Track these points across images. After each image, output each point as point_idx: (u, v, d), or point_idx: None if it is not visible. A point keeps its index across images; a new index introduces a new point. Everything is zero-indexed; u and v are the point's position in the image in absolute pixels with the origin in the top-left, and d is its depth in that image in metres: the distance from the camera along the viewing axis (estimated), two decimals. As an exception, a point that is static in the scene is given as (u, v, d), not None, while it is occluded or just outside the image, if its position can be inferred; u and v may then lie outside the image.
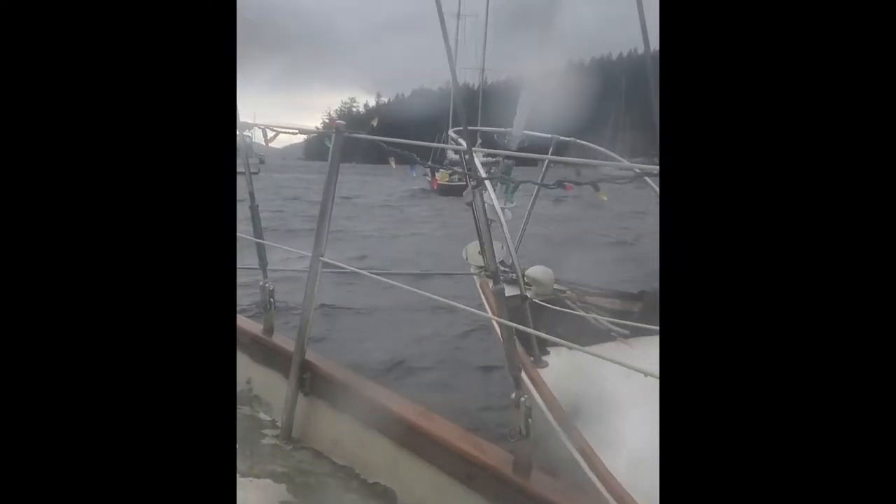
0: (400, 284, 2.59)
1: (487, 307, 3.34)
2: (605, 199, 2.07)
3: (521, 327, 2.16)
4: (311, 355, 2.52)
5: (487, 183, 3.09)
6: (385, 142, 2.35)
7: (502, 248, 3.69)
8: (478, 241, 3.74)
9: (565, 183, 2.25)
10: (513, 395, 1.89)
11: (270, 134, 2.51)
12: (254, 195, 2.72)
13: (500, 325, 2.20)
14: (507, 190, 3.02)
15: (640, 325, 3.08)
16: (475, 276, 3.71)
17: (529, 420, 1.85)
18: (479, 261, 3.82)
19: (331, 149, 2.41)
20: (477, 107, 41.68)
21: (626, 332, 3.20)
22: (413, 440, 2.15)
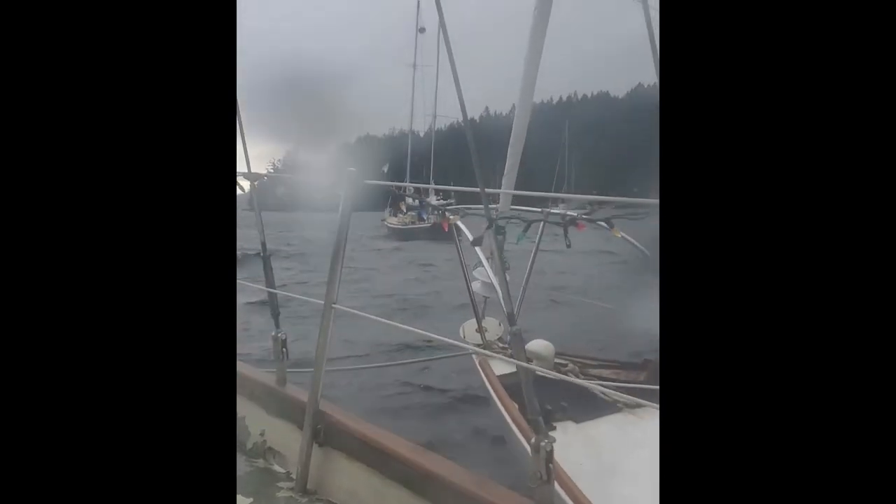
0: (407, 327, 2.59)
1: (487, 384, 3.33)
2: (620, 235, 2.14)
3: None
4: (325, 405, 2.48)
5: (483, 259, 3.14)
6: (398, 186, 2.37)
7: (500, 324, 3.70)
8: (474, 319, 3.76)
9: (578, 221, 2.30)
10: (532, 440, 1.89)
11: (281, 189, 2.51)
12: (265, 245, 2.69)
13: (518, 368, 2.21)
14: (518, 229, 3.06)
15: (647, 386, 3.09)
16: (473, 355, 3.70)
17: (550, 465, 1.84)
18: (477, 339, 3.83)
19: (342, 195, 2.42)
20: (430, 150, 42.66)
21: (632, 402, 3.23)
22: (431, 488, 2.12)
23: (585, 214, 2.91)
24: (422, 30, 45.43)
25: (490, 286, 3.09)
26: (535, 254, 3.70)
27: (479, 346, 3.75)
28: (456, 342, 2.59)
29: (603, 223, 2.57)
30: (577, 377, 3.34)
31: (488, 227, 2.29)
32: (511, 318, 2.34)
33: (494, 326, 3.73)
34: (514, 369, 3.22)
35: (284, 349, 2.68)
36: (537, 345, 3.23)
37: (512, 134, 3.53)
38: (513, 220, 2.91)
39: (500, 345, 3.71)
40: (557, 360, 3.41)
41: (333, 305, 2.45)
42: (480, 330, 3.75)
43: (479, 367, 3.52)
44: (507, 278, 2.98)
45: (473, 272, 3.55)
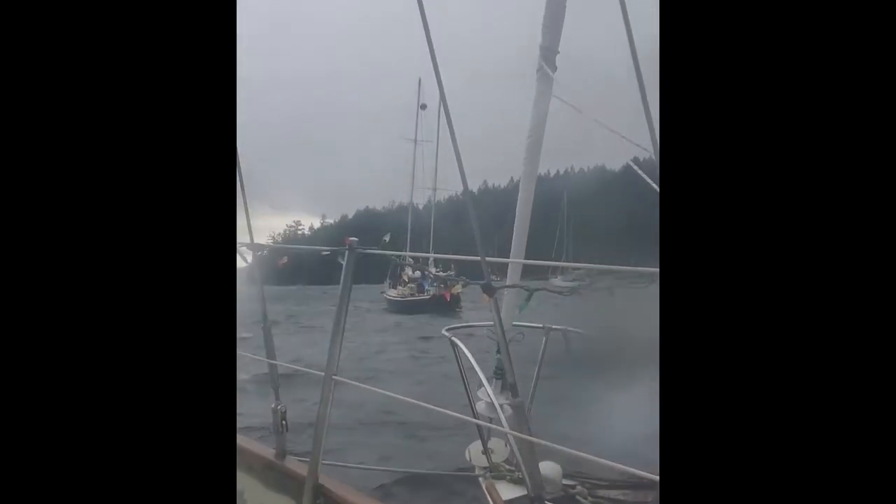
0: (411, 400, 2.56)
1: None
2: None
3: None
4: (324, 479, 2.43)
5: (483, 380, 3.14)
6: (399, 255, 2.39)
7: (505, 446, 3.63)
8: (479, 441, 3.69)
9: (580, 290, 2.32)
10: None
11: (284, 259, 2.55)
12: (266, 315, 2.70)
13: (519, 441, 2.18)
14: (521, 299, 3.06)
15: None
16: (480, 479, 3.62)
17: None
18: (483, 461, 3.76)
19: (344, 266, 2.44)
20: (429, 223, 43.39)
21: None
22: None
23: (586, 286, 2.93)
24: (423, 106, 46.73)
25: (492, 406, 3.06)
26: (540, 367, 3.67)
27: (485, 469, 3.68)
28: (460, 416, 2.54)
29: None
30: (586, 499, 3.27)
31: (490, 295, 2.29)
32: (514, 390, 2.31)
33: (501, 448, 3.64)
34: (522, 492, 3.14)
35: (284, 421, 2.64)
36: (544, 467, 3.15)
37: (517, 208, 3.60)
38: (517, 287, 2.92)
39: (507, 467, 3.61)
40: (565, 482, 3.33)
41: (334, 377, 2.43)
42: (486, 452, 3.67)
43: (485, 491, 3.45)
44: (511, 352, 2.94)
45: (477, 392, 3.51)
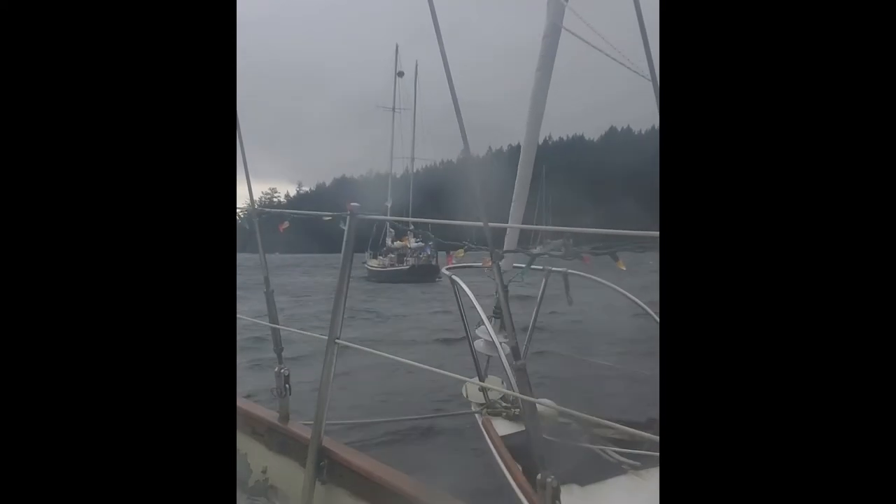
0: (416, 364, 2.59)
1: (491, 445, 3.28)
2: (625, 268, 2.18)
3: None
4: (328, 441, 2.46)
5: (483, 318, 3.12)
6: (400, 221, 2.40)
7: (502, 382, 3.66)
8: (477, 378, 3.71)
9: (583, 254, 2.34)
10: (538, 477, 1.89)
11: (285, 224, 2.53)
12: (269, 280, 2.69)
13: (523, 403, 2.21)
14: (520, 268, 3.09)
15: (651, 453, 3.06)
16: (476, 415, 3.65)
17: (557, 502, 1.85)
18: (480, 398, 3.77)
19: (345, 231, 2.44)
20: (406, 192, 43.20)
21: (638, 463, 3.18)
22: None
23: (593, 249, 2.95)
24: (400, 74, 46.27)
25: (492, 345, 3.07)
26: (539, 306, 3.68)
27: (482, 405, 3.71)
28: (461, 377, 2.57)
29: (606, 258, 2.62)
30: (581, 437, 3.30)
31: (494, 261, 2.31)
32: (515, 353, 2.35)
33: (497, 385, 3.70)
34: (518, 429, 3.15)
35: (287, 385, 2.66)
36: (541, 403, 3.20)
37: (518, 172, 3.61)
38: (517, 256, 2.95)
39: (504, 404, 3.65)
40: (561, 420, 3.38)
41: (336, 340, 2.44)
42: (483, 389, 3.70)
43: (482, 426, 3.48)
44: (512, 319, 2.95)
45: (476, 331, 3.52)
